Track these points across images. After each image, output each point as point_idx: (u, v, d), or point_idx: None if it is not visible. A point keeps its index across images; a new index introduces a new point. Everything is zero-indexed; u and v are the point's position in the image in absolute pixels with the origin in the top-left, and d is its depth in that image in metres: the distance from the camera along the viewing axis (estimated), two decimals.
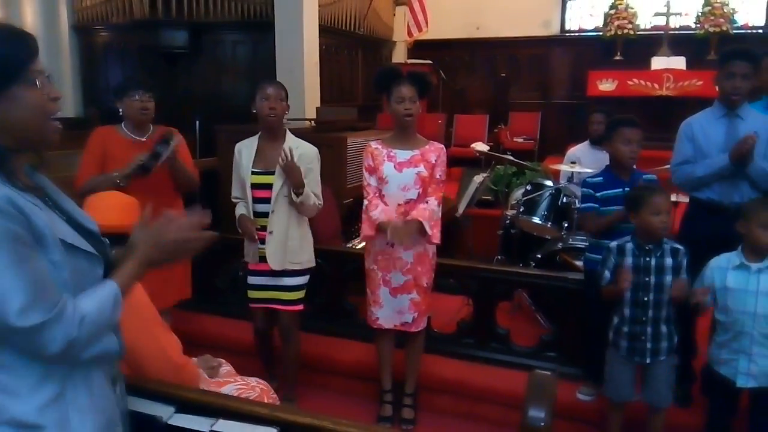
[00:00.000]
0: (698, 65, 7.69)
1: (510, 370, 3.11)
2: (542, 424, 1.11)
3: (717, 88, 2.74)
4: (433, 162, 2.70)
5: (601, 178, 2.73)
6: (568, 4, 8.91)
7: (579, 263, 3.46)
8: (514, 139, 8.03)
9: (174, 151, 2.81)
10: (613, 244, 2.44)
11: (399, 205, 2.69)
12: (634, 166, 2.69)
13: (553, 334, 3.18)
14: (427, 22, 8.19)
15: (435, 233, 2.67)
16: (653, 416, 2.50)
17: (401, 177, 2.68)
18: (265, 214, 2.78)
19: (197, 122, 6.11)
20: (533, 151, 7.93)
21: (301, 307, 2.92)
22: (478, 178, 3.88)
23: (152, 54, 6.97)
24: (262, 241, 2.79)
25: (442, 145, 2.81)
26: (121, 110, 2.94)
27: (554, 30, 8.82)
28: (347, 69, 7.59)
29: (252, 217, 2.80)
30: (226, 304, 3.73)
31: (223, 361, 2.09)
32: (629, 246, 2.39)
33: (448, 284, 3.45)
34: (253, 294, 2.92)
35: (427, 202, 2.68)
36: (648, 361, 2.41)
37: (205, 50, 6.97)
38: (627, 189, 2.58)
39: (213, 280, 3.77)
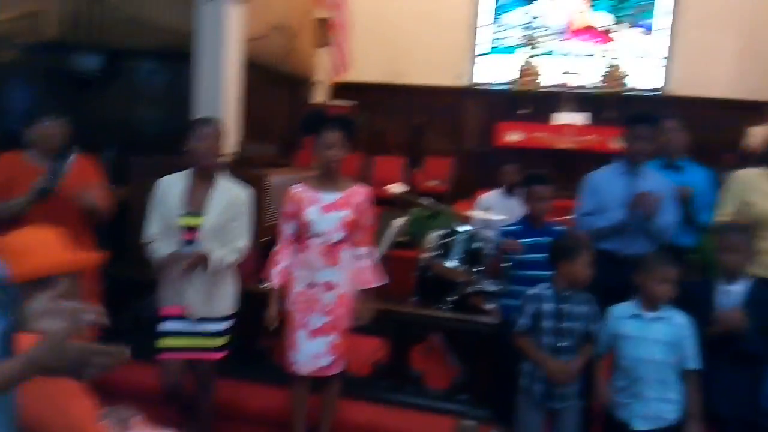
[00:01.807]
0: (598, 122, 8.37)
1: (423, 413, 3.15)
2: None
3: (623, 148, 2.99)
4: (359, 206, 2.75)
5: (519, 227, 2.89)
6: (477, 59, 9.45)
7: (488, 306, 3.61)
8: (428, 183, 8.28)
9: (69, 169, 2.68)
10: (531, 292, 2.56)
11: (323, 247, 2.70)
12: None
13: (465, 376, 3.26)
14: (349, 64, 8.38)
15: (376, 279, 2.79)
16: None
17: (326, 220, 2.69)
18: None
19: (109, 150, 5.82)
20: (445, 195, 8.20)
21: (224, 354, 2.81)
22: (397, 222, 3.97)
23: (61, 77, 6.60)
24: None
25: (368, 188, 2.87)
26: (28, 136, 2.78)
27: (465, 81, 9.30)
28: (269, 106, 7.57)
29: None
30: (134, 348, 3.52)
31: (135, 411, 1.97)
32: (547, 293, 2.52)
33: (363, 325, 3.46)
34: (167, 342, 2.73)
35: (362, 257, 2.77)
36: (558, 406, 2.53)
37: (120, 77, 6.70)
38: (541, 238, 2.75)
39: (117, 321, 3.56)
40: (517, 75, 8.83)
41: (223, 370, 3.16)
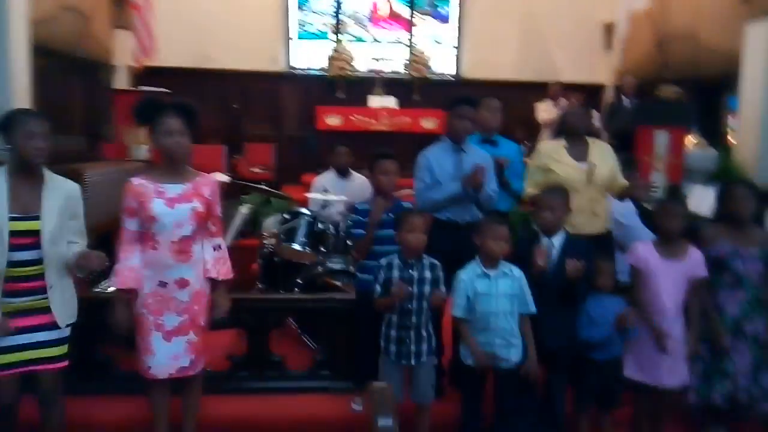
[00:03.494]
0: (407, 105, 8.93)
1: (288, 396, 3.18)
2: (392, 430, 1.21)
3: (448, 127, 3.28)
4: (208, 197, 2.65)
5: (368, 205, 3.02)
6: (292, 43, 9.46)
7: (338, 283, 3.73)
8: (251, 170, 8.14)
9: None
10: (383, 261, 2.74)
11: (173, 242, 2.56)
12: (395, 193, 3.06)
13: (325, 353, 3.35)
14: (155, 48, 7.82)
15: (227, 271, 2.70)
16: (420, 413, 2.83)
17: (174, 213, 2.55)
18: (28, 263, 2.42)
19: None
20: (271, 181, 8.14)
21: (66, 363, 2.56)
22: (244, 209, 3.88)
23: None
24: (26, 293, 2.42)
25: (215, 177, 2.77)
26: None
27: (281, 66, 9.26)
28: (65, 94, 6.77)
29: (5, 267, 2.37)
30: None
31: None
32: (396, 261, 2.71)
33: (214, 319, 3.36)
34: (4, 359, 2.42)
35: (217, 248, 2.69)
36: (413, 363, 2.73)
37: None
38: (391, 214, 2.92)
39: None
40: (331, 60, 9.02)
41: (65, 389, 2.86)
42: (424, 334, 2.75)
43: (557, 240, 2.82)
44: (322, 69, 9.24)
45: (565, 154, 3.31)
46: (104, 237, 3.61)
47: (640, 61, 8.57)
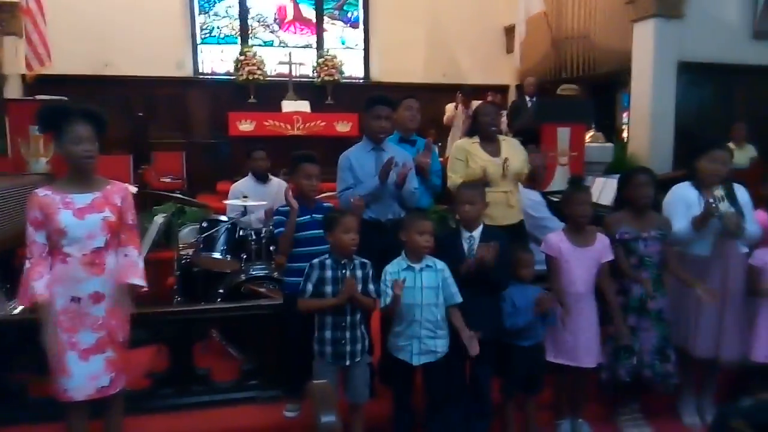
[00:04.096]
0: (320, 108, 8.90)
1: (216, 409, 3.09)
2: (334, 427, 1.22)
3: (366, 127, 3.31)
4: (120, 205, 2.53)
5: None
6: (198, 48, 9.18)
7: (263, 290, 3.67)
8: (161, 179, 7.81)
9: None
10: (315, 261, 2.72)
11: (84, 255, 2.42)
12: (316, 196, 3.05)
13: (252, 362, 3.28)
14: (49, 56, 7.33)
15: (135, 275, 2.55)
16: (354, 413, 2.83)
17: (84, 224, 2.42)
18: None
19: None
20: (183, 191, 7.85)
21: None
22: (160, 219, 3.72)
23: None
24: None
25: (126, 185, 2.65)
26: None
27: (188, 72, 8.97)
28: None
29: None
30: None
31: None
32: (328, 261, 2.70)
33: (133, 336, 3.21)
34: None
35: (126, 255, 2.54)
36: (348, 363, 2.74)
37: None
38: (314, 216, 2.91)
39: None
40: (240, 65, 8.85)
41: None
42: (359, 333, 2.76)
43: (476, 233, 2.93)
44: (230, 74, 9.03)
45: (480, 150, 3.44)
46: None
47: (539, 62, 9.05)
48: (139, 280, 2.54)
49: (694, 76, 7.02)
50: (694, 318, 3.11)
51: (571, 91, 7.24)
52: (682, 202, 3.15)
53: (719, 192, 2.98)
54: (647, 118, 6.95)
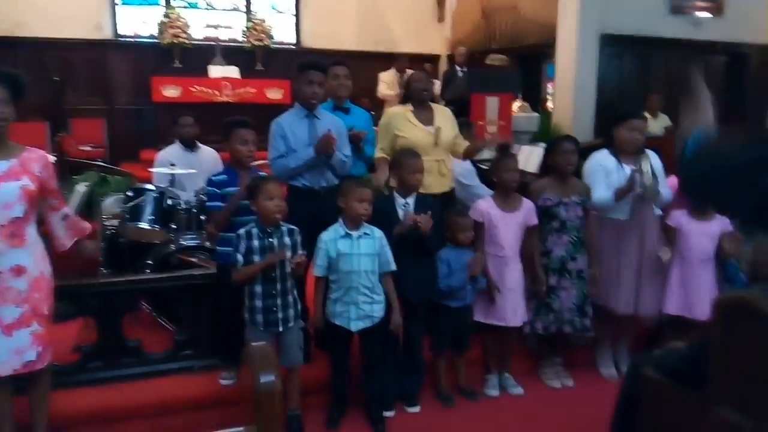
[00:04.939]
0: (249, 74, 8.66)
1: (150, 380, 3.05)
2: (274, 386, 1.24)
3: (297, 93, 3.27)
4: (38, 173, 2.42)
5: (224, 176, 2.94)
6: (118, 9, 8.68)
7: (195, 259, 3.61)
8: (81, 148, 7.43)
9: None
10: (242, 230, 2.70)
11: (3, 226, 2.31)
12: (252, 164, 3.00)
13: (185, 333, 3.24)
14: None
15: (81, 228, 2.65)
16: (290, 377, 2.87)
17: (0, 194, 2.30)
18: None
19: None
20: (105, 160, 7.50)
21: None
22: (82, 187, 3.55)
23: None
24: None
25: (44, 152, 2.53)
26: None
27: (107, 34, 8.48)
28: None
29: None
30: None
31: None
32: (254, 230, 2.69)
33: (58, 310, 3.09)
34: None
35: (67, 215, 2.59)
36: (281, 329, 2.76)
37: None
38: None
39: None
40: (164, 27, 8.44)
41: None
42: (290, 299, 2.78)
43: (411, 199, 2.99)
44: (154, 37, 8.61)
45: (413, 117, 3.48)
46: None
47: (469, 32, 9.16)
48: (86, 229, 2.66)
49: (615, 48, 7.32)
50: (615, 277, 3.33)
51: (500, 62, 7.38)
52: (601, 169, 3.33)
53: (645, 167, 3.17)
54: (571, 89, 7.21)
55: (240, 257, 2.68)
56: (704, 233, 3.25)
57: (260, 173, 3.02)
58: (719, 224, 3.26)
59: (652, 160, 3.34)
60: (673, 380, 2.09)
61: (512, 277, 3.15)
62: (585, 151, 3.55)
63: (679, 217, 3.31)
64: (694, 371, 1.97)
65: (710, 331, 1.95)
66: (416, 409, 3.09)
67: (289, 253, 2.72)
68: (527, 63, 8.53)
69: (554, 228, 3.24)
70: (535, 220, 3.19)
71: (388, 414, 3.01)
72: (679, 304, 3.28)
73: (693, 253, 3.25)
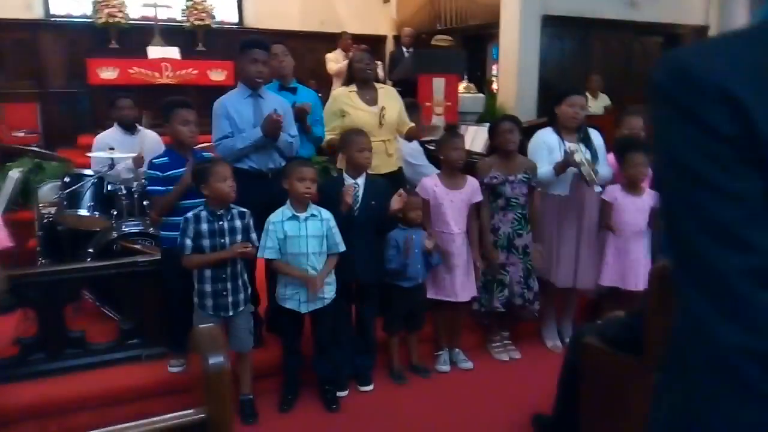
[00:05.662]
0: (190, 55, 8.38)
1: (94, 371, 2.97)
2: (223, 367, 1.22)
3: (241, 73, 3.19)
4: None
5: (166, 158, 2.85)
6: None
7: (138, 246, 3.50)
8: (14, 134, 7.06)
9: None
10: (190, 214, 2.64)
11: None
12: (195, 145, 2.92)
13: (131, 321, 3.16)
14: None
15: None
16: (240, 361, 2.85)
17: None
18: None
19: None
20: (39, 145, 7.16)
21: None
22: (15, 174, 3.37)
23: None
24: None
25: None
26: None
27: (38, 14, 8.04)
28: None
29: None
30: None
31: None
32: (203, 214, 2.63)
33: None
34: None
35: None
36: (231, 313, 2.73)
37: None
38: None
39: None
40: (98, 6, 8.04)
41: None
42: (240, 283, 2.75)
43: (361, 180, 2.99)
44: (88, 16, 8.21)
45: (357, 98, 3.47)
46: None
47: (415, 13, 9.15)
48: (6, 241, 2.43)
49: (557, 29, 7.46)
50: (555, 252, 3.44)
51: (446, 42, 7.42)
52: (545, 146, 3.41)
53: (574, 145, 3.28)
54: (514, 69, 7.33)
55: (189, 242, 2.62)
56: (637, 207, 3.38)
57: (205, 154, 2.95)
58: (651, 198, 3.39)
59: (594, 137, 3.44)
60: (614, 348, 2.18)
61: (459, 254, 3.21)
62: (530, 130, 3.63)
63: (614, 192, 3.43)
64: (633, 338, 2.06)
65: (647, 299, 2.04)
66: (369, 388, 3.12)
67: (239, 237, 2.68)
68: (472, 44, 8.60)
69: (500, 206, 3.31)
70: (479, 197, 3.24)
71: (341, 394, 3.03)
72: (614, 275, 3.41)
73: (627, 226, 3.38)
